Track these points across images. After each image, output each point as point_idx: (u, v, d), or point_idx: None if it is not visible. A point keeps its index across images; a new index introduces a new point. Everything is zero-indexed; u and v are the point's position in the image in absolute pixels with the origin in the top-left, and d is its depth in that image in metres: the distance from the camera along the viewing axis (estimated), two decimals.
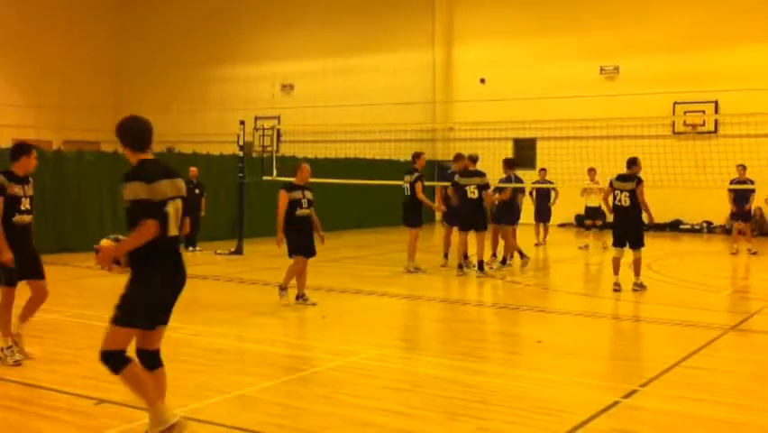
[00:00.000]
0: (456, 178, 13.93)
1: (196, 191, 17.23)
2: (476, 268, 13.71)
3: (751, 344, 8.88)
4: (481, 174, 13.64)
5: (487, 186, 13.68)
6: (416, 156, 14.40)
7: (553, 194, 19.27)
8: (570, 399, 6.35)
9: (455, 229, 14.32)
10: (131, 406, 6.06)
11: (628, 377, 7.20)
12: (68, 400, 6.26)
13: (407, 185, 14.13)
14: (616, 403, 6.21)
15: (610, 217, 12.60)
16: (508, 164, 14.89)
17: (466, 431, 5.59)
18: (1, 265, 7.11)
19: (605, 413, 5.95)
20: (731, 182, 16.96)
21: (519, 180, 14.85)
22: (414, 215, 14.05)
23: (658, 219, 23.50)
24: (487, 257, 14.35)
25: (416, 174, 14.06)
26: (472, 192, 13.49)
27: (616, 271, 12.02)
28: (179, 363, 7.54)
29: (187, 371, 7.28)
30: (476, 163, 13.85)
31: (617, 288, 11.88)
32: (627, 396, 6.43)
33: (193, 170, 17.45)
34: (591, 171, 18.43)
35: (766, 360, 7.88)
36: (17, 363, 7.10)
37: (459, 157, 14.38)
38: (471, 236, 13.71)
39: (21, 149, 7.33)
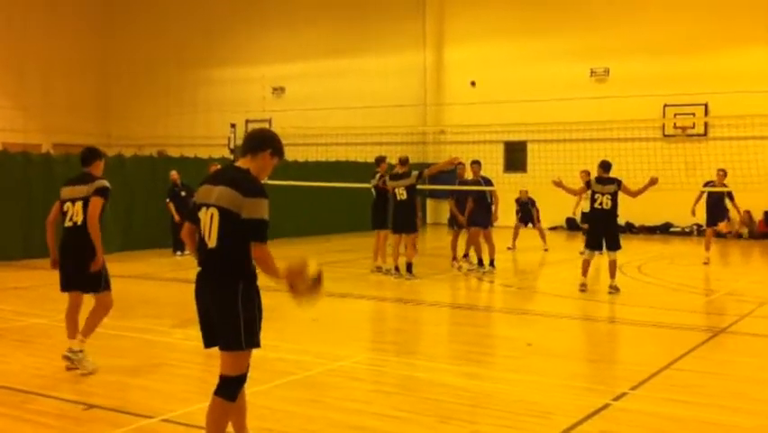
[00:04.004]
0: (385, 180, 14.01)
1: (183, 194, 17.15)
2: (393, 270, 13.78)
3: (741, 346, 8.90)
4: (408, 175, 13.66)
5: (414, 187, 13.70)
6: (381, 160, 14.57)
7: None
8: (560, 401, 6.36)
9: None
10: (119, 411, 6.05)
11: (618, 380, 7.20)
12: (57, 405, 6.23)
13: (374, 188, 14.46)
14: (606, 406, 6.22)
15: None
16: (480, 166, 14.84)
17: None
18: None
19: (595, 416, 5.96)
20: (705, 185, 16.17)
21: (489, 183, 14.81)
22: (380, 217, 14.37)
23: (648, 222, 23.86)
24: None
25: (378, 176, 14.38)
26: (401, 194, 13.56)
27: (585, 273, 12.21)
28: (169, 368, 7.53)
29: (176, 375, 7.27)
30: (405, 165, 13.84)
31: (584, 288, 12.06)
32: (617, 399, 6.43)
33: (174, 173, 17.35)
34: (585, 174, 18.26)
35: (756, 362, 7.90)
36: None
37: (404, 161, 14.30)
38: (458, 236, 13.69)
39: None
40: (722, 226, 16.40)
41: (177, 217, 17.04)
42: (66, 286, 7.34)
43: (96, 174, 7.27)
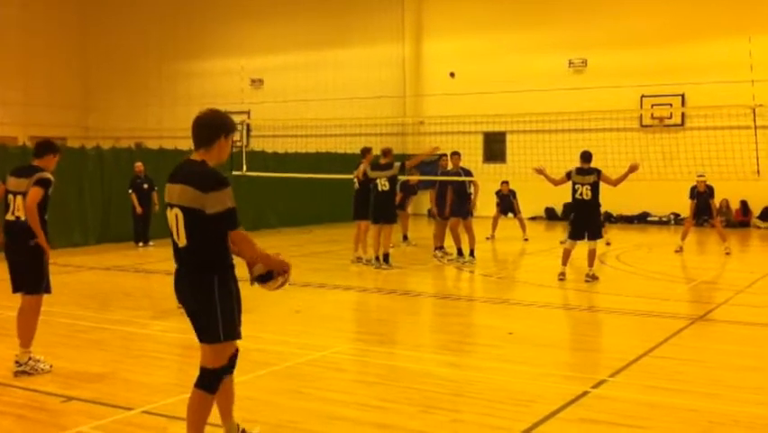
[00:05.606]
0: (367, 171, 14.06)
1: (145, 186, 17.12)
2: (373, 260, 13.85)
3: (717, 333, 8.99)
4: (390, 166, 13.71)
5: (395, 177, 13.79)
6: (367, 151, 14.50)
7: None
8: (540, 389, 6.39)
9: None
10: (99, 403, 6.01)
11: (598, 367, 7.26)
12: (36, 397, 6.18)
13: (356, 179, 14.41)
14: (585, 393, 6.26)
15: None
16: (460, 157, 14.83)
17: (440, 423, 5.60)
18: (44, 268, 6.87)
19: (575, 403, 6.00)
20: (692, 195, 16.33)
21: (469, 174, 14.81)
22: (362, 208, 14.32)
23: (626, 211, 24.03)
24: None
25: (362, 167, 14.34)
26: (383, 185, 13.64)
27: (565, 262, 12.32)
28: (149, 360, 7.50)
29: (156, 367, 7.24)
30: (388, 156, 13.89)
31: (563, 277, 12.18)
32: (597, 386, 6.48)
33: (138, 165, 17.29)
34: None
35: (732, 349, 7.99)
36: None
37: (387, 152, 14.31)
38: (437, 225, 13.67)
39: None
40: (717, 222, 16.66)
41: (138, 209, 17.02)
42: (14, 287, 7.00)
43: (44, 167, 6.91)
